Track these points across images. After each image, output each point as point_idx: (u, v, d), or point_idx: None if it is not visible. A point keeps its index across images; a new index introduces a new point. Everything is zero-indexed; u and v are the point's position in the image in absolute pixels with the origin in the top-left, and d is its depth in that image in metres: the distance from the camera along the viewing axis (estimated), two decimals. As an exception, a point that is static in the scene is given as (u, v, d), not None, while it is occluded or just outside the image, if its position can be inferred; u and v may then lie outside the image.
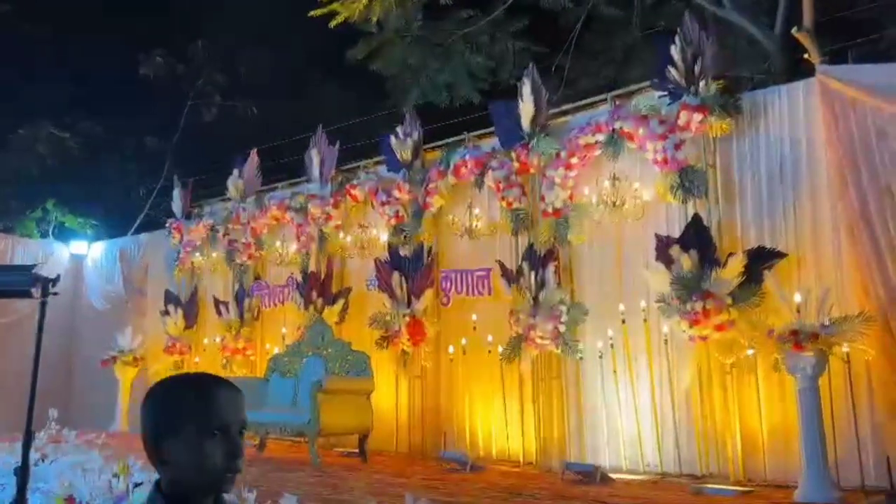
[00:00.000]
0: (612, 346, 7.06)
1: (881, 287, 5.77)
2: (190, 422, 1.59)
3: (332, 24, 10.13)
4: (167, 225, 11.78)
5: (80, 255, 13.07)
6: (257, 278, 10.53)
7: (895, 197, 5.81)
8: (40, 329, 3.83)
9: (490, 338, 7.80)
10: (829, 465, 5.43)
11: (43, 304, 3.81)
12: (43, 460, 5.79)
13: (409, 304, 8.32)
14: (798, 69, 8.25)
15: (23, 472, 3.58)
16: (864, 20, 10.38)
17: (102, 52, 14.28)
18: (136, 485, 4.10)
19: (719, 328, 6.22)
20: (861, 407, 5.80)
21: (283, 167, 11.93)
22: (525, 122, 7.83)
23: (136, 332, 11.27)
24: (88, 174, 15.37)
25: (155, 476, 1.65)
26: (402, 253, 8.63)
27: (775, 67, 9.70)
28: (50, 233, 14.09)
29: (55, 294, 3.83)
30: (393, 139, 8.94)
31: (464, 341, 8.03)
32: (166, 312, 11.07)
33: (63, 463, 5.23)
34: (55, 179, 14.96)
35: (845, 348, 5.66)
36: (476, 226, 8.24)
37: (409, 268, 8.48)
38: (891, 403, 5.66)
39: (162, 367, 11.05)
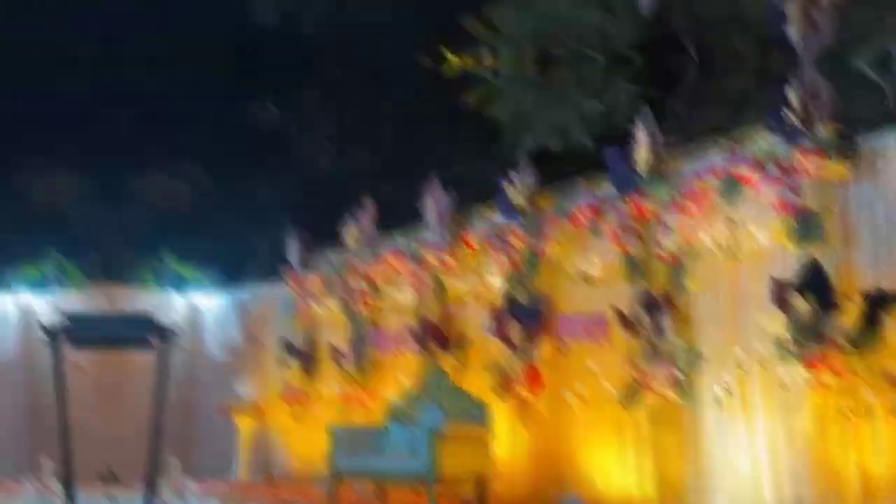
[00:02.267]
0: (728, 391, 6.94)
1: None
2: None
3: (447, 73, 10.35)
4: (284, 275, 12.10)
5: (196, 305, 13.26)
6: (374, 326, 10.69)
7: None
8: (163, 377, 3.91)
9: (608, 384, 7.73)
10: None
11: (164, 353, 3.90)
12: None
13: (526, 350, 8.36)
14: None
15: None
16: None
17: (210, 99, 14.75)
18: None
19: (837, 373, 6.03)
20: None
21: (398, 213, 12.14)
22: (640, 168, 7.81)
23: (255, 381, 11.58)
24: (201, 223, 15.86)
25: None
26: (518, 300, 8.70)
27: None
28: (166, 283, 14.31)
29: (175, 343, 3.91)
30: (507, 185, 9.04)
31: (581, 388, 7.99)
32: (285, 362, 11.37)
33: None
34: (168, 229, 15.45)
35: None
36: (592, 272, 8.23)
37: (526, 315, 8.50)
38: None
39: (281, 416, 11.39)
